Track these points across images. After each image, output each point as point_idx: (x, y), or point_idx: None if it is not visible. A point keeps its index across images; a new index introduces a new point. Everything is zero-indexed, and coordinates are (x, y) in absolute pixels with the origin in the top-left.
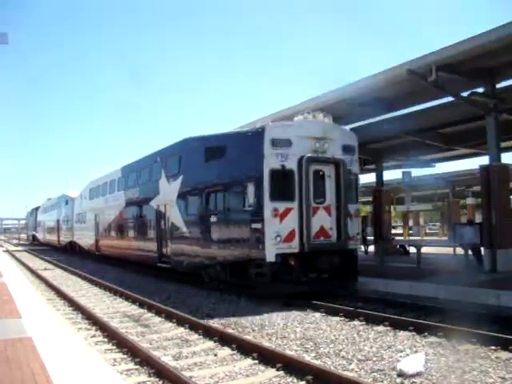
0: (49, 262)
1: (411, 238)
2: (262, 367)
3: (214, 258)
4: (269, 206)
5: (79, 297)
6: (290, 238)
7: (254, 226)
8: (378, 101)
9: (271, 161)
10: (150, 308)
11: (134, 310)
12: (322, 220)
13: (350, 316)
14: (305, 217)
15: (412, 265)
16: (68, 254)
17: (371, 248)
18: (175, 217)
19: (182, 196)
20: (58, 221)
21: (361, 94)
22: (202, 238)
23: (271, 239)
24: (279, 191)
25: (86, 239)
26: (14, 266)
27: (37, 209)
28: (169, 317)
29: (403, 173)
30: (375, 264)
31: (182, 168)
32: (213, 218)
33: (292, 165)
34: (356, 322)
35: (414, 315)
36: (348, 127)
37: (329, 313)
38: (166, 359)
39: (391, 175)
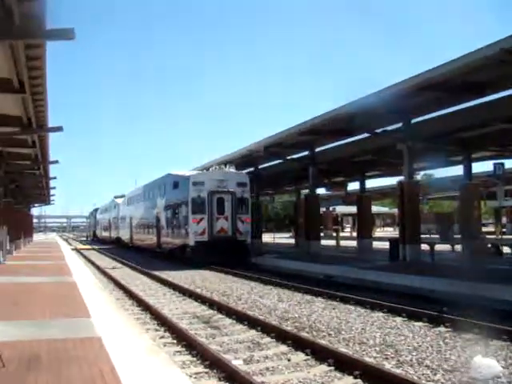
0: (117, 260)
1: (505, 236)
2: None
3: (175, 243)
4: (191, 217)
5: (148, 296)
6: (203, 233)
7: (186, 226)
8: (467, 85)
9: (193, 193)
10: (220, 309)
11: (204, 310)
12: (223, 224)
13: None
14: (211, 222)
15: (504, 266)
16: (135, 253)
17: (457, 247)
18: (162, 220)
19: (166, 208)
20: (109, 221)
21: (447, 78)
22: (172, 232)
23: (193, 233)
24: (197, 208)
25: (125, 235)
26: (83, 265)
27: (96, 210)
28: (240, 319)
29: (495, 165)
30: (458, 265)
31: (165, 191)
32: (175, 221)
33: (204, 194)
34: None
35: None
36: (433, 115)
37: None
38: (237, 363)
39: (481, 167)
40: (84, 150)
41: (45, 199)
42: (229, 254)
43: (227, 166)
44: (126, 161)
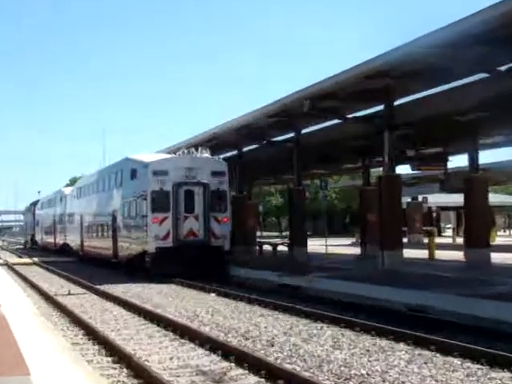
0: (70, 279)
1: None
2: None
3: (133, 251)
4: (151, 216)
5: (124, 340)
6: (166, 236)
7: (145, 228)
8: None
9: (153, 184)
10: (240, 360)
11: (214, 362)
12: (192, 224)
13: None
14: (177, 222)
15: None
16: (90, 266)
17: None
18: (119, 220)
19: (123, 204)
20: (53, 220)
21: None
22: (129, 236)
23: (153, 237)
24: (159, 205)
25: (74, 241)
26: (21, 291)
27: (35, 203)
28: (273, 377)
29: None
30: None
31: (122, 181)
32: (133, 222)
33: (169, 187)
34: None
35: None
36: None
37: None
38: None
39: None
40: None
41: None
42: (200, 264)
43: (199, 150)
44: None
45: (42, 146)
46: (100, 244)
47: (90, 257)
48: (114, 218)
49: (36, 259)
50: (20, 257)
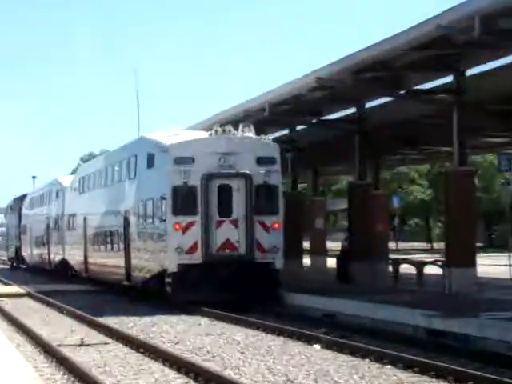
0: (79, 318)
1: None
2: None
3: (149, 270)
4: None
5: None
6: (192, 249)
7: (164, 238)
8: None
9: (174, 177)
10: None
11: None
12: (228, 233)
13: None
14: (208, 230)
15: None
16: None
17: None
18: (133, 227)
19: (137, 203)
20: (47, 225)
21: None
22: (144, 249)
23: (174, 251)
24: (182, 206)
25: (76, 256)
26: (6, 341)
27: (21, 199)
28: None
29: None
30: None
31: (136, 170)
32: (149, 229)
33: (196, 181)
34: None
35: None
36: None
37: None
38: None
39: None
40: None
41: None
42: (239, 288)
43: (240, 128)
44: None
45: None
46: (108, 261)
47: (97, 279)
48: (127, 224)
49: (27, 288)
50: (4, 283)
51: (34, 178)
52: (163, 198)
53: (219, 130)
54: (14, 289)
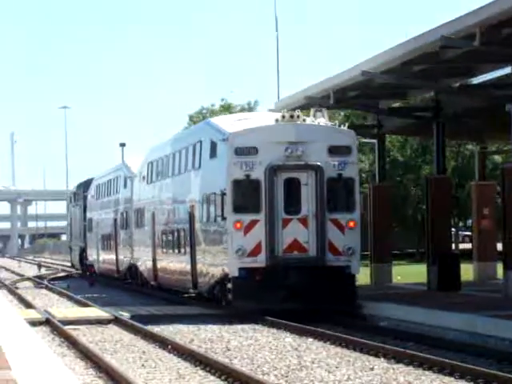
0: (199, 362)
1: None
2: None
3: (211, 275)
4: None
5: None
6: (255, 251)
7: (225, 238)
8: None
9: (234, 169)
10: None
11: None
12: (296, 232)
13: None
14: (273, 229)
15: None
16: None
17: None
18: (197, 225)
19: (201, 198)
20: (114, 222)
21: None
22: (208, 252)
23: (234, 253)
24: (243, 202)
25: (145, 261)
26: None
27: (86, 185)
28: None
29: None
30: None
31: (201, 159)
32: (212, 228)
33: (259, 174)
34: None
35: None
36: None
37: None
38: None
39: None
40: None
41: None
42: (309, 295)
43: (312, 114)
44: None
45: None
46: (175, 265)
47: (166, 287)
48: (192, 222)
49: (112, 310)
50: (76, 301)
51: (122, 145)
52: (223, 194)
53: (286, 115)
54: (94, 312)
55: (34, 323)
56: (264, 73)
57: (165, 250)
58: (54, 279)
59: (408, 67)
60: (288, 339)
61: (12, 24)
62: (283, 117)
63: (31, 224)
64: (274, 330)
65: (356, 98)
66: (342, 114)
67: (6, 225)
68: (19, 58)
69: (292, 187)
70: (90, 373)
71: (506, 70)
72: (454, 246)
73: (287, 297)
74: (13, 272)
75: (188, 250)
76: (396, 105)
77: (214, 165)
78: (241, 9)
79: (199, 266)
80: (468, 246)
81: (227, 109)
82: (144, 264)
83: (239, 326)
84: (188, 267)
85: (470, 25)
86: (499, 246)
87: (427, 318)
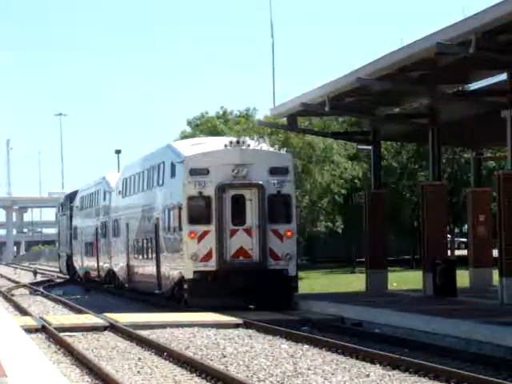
0: (195, 369)
1: None
2: None
3: (172, 277)
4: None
5: None
6: (207, 257)
7: (181, 245)
8: None
9: (189, 187)
10: None
11: None
12: (242, 240)
13: None
14: (222, 238)
15: None
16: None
17: None
18: (161, 233)
19: (164, 210)
20: (96, 230)
21: None
22: (170, 256)
23: (189, 258)
24: (197, 215)
25: (119, 265)
26: None
27: (72, 196)
28: None
29: None
30: None
31: (163, 178)
32: (171, 236)
33: (210, 191)
34: None
35: None
36: None
37: None
38: None
39: None
40: None
41: None
42: (252, 295)
43: (255, 140)
44: None
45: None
46: (144, 269)
47: (137, 289)
48: (157, 232)
49: (105, 317)
50: (72, 307)
51: (117, 152)
52: (180, 208)
53: (233, 141)
54: (90, 318)
55: (29, 330)
56: (260, 78)
57: (136, 256)
58: (49, 286)
59: (404, 73)
60: (284, 346)
61: (7, 29)
62: (231, 142)
63: (26, 231)
64: (270, 337)
65: (352, 105)
66: (340, 119)
67: (2, 232)
68: (14, 63)
69: (238, 202)
70: (86, 380)
71: (502, 77)
72: (449, 252)
73: (235, 295)
74: (8, 279)
75: (154, 256)
76: (392, 111)
77: (173, 183)
78: (237, 14)
79: (162, 270)
80: (464, 252)
81: (223, 116)
82: (120, 269)
83: (235, 333)
84: (154, 271)
85: (465, 31)
86: (495, 253)
87: (423, 325)
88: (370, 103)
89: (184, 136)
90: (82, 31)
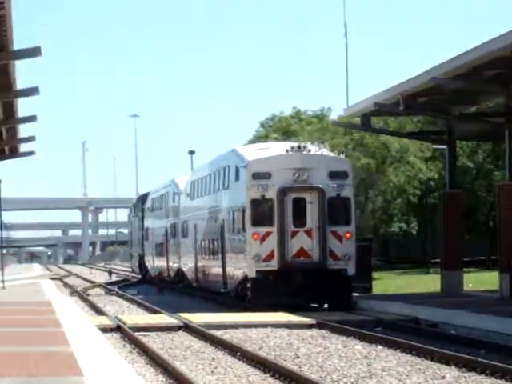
0: (268, 369)
1: None
2: None
3: (236, 276)
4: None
5: None
6: (269, 257)
7: (244, 246)
8: None
9: (252, 191)
10: None
11: None
12: (303, 241)
13: None
14: (283, 239)
15: None
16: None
17: None
18: (226, 235)
19: (229, 212)
20: (165, 231)
21: None
22: (234, 256)
23: (252, 258)
24: (260, 217)
25: (188, 265)
26: None
27: (144, 198)
28: None
29: None
30: None
31: (228, 181)
32: (236, 237)
33: (272, 194)
34: None
35: None
36: None
37: None
38: None
39: None
40: None
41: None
42: (312, 293)
43: (316, 145)
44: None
45: None
46: (210, 269)
47: (204, 288)
48: (222, 233)
49: (179, 317)
50: (146, 307)
51: (191, 153)
52: (244, 210)
53: (295, 146)
54: (164, 318)
55: (105, 330)
56: (334, 78)
57: (203, 256)
58: (124, 286)
59: (479, 72)
60: (357, 347)
61: (83, 30)
62: (292, 147)
63: (102, 231)
64: (344, 338)
65: (426, 104)
66: (414, 119)
67: (78, 232)
68: (90, 64)
69: (299, 205)
70: (160, 379)
71: None
72: None
73: (295, 294)
74: (84, 279)
75: (220, 256)
76: (467, 110)
77: (237, 186)
78: (310, 14)
79: (228, 270)
80: None
81: (298, 116)
82: (188, 268)
83: (308, 333)
84: (220, 270)
85: None
86: None
87: (499, 326)
88: (445, 102)
89: (257, 136)
90: (152, 32)
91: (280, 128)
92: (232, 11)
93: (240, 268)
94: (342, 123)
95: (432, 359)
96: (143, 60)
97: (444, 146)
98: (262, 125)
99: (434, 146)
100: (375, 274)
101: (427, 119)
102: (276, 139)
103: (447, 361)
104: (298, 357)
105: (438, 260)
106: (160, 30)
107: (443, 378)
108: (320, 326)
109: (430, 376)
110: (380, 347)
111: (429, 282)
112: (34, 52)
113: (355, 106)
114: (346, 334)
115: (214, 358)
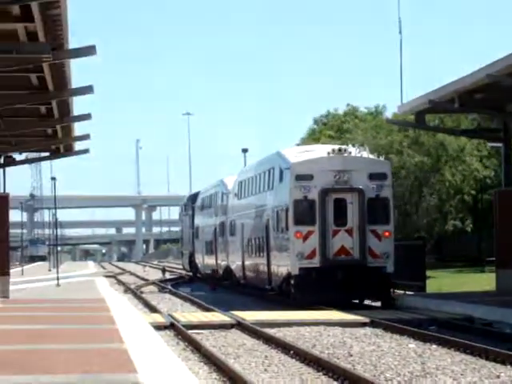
0: (322, 367)
1: None
2: None
3: (279, 273)
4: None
5: None
6: (311, 255)
7: (287, 244)
8: None
9: (295, 191)
10: None
11: None
12: (343, 240)
13: None
14: (325, 238)
15: None
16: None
17: None
18: (271, 234)
19: (273, 212)
20: (214, 229)
21: None
22: (277, 254)
23: (295, 256)
24: (302, 216)
25: (236, 263)
26: None
27: (194, 198)
28: None
29: None
30: None
31: (273, 182)
32: (280, 236)
33: (314, 195)
34: None
35: None
36: None
37: None
38: None
39: None
40: None
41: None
42: (352, 290)
43: (355, 148)
44: None
45: None
46: (256, 267)
47: (251, 285)
48: (267, 232)
49: (232, 315)
50: (199, 305)
51: (244, 151)
52: (287, 210)
53: (336, 149)
54: (217, 316)
55: (158, 327)
56: (389, 75)
57: (250, 254)
58: (177, 283)
59: None
60: (411, 345)
61: (137, 30)
62: (333, 150)
63: (155, 229)
64: (397, 336)
65: (481, 101)
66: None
67: (131, 230)
68: (142, 63)
69: (340, 205)
70: (214, 377)
71: None
72: None
73: (336, 290)
74: (137, 276)
75: (265, 253)
76: None
77: (281, 187)
78: (365, 11)
79: (272, 267)
80: None
81: (352, 113)
82: (236, 266)
83: (362, 331)
84: (265, 268)
85: None
86: None
87: None
88: (500, 99)
89: (311, 133)
90: (206, 32)
91: (334, 125)
92: (284, 8)
93: (284, 265)
94: (397, 121)
95: (487, 358)
96: (197, 59)
97: (500, 144)
98: (316, 121)
99: (490, 144)
100: (429, 273)
101: (484, 117)
102: (330, 136)
103: (502, 360)
104: (351, 355)
105: (493, 258)
106: (213, 30)
107: (498, 377)
108: (374, 324)
109: (484, 375)
110: (434, 346)
111: (483, 281)
112: (89, 51)
113: (410, 103)
114: (400, 332)
115: (266, 356)
